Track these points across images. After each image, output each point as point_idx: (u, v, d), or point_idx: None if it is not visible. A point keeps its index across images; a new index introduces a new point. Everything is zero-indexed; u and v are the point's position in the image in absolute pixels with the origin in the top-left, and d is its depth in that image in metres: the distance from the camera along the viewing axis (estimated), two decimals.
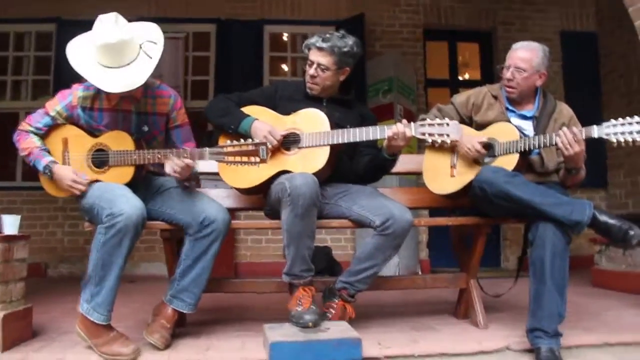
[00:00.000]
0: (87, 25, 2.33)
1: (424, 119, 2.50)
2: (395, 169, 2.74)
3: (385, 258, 2.46)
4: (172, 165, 2.30)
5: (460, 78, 6.72)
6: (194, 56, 6.03)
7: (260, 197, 2.71)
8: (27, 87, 5.96)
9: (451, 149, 2.69)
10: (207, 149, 2.30)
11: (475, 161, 2.61)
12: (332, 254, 5.19)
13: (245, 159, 2.24)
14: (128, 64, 2.25)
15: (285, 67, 6.35)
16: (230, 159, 2.24)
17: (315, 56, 2.59)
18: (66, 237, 5.60)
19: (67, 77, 2.51)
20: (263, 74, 5.95)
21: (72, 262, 5.49)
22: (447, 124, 2.35)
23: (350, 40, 2.60)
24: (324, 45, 2.57)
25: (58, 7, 5.68)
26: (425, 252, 5.67)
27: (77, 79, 2.46)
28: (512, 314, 2.92)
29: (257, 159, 2.23)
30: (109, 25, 2.22)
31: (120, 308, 2.31)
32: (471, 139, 2.60)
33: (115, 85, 2.23)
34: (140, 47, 2.28)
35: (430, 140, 2.39)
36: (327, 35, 2.59)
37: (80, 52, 2.29)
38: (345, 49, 2.57)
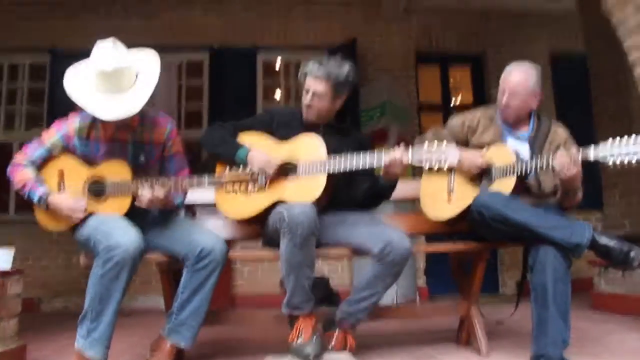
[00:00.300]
0: (81, 56, 2.34)
1: (420, 143, 2.49)
2: (392, 196, 2.72)
3: (385, 286, 2.43)
4: (142, 198, 2.31)
5: (453, 100, 6.77)
6: (188, 84, 6.06)
7: (258, 227, 2.68)
8: (21, 118, 5.95)
9: (448, 173, 2.70)
10: (206, 176, 2.29)
11: (472, 185, 2.60)
12: (330, 284, 5.14)
13: (243, 186, 2.23)
14: (125, 91, 2.25)
15: (278, 93, 6.37)
16: (229, 186, 2.24)
17: (311, 84, 2.59)
18: (60, 271, 5.51)
19: (61, 108, 2.52)
20: (257, 101, 5.97)
21: (66, 296, 5.40)
22: (444, 149, 2.34)
23: (346, 68, 2.59)
24: (320, 73, 2.56)
25: (52, 37, 5.70)
26: (422, 279, 5.63)
27: (72, 109, 2.46)
28: (514, 340, 2.89)
29: (255, 187, 2.23)
30: (107, 52, 2.23)
31: (116, 343, 2.26)
32: (475, 156, 2.61)
33: (112, 112, 2.23)
34: (137, 76, 2.29)
35: (427, 167, 2.38)
36: (323, 63, 2.59)
37: (78, 78, 2.30)
38: (342, 77, 2.57)
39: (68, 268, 5.49)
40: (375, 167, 2.46)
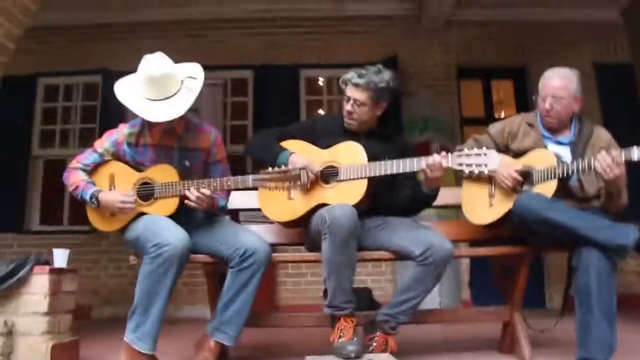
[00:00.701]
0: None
1: (461, 150, 2.51)
2: (434, 203, 2.72)
3: (426, 289, 2.44)
4: (190, 195, 2.40)
5: (497, 116, 6.72)
6: (233, 101, 6.23)
7: (301, 233, 2.74)
8: (75, 136, 6.24)
9: (489, 178, 2.69)
10: (250, 175, 2.40)
11: (513, 190, 2.59)
12: (372, 295, 5.15)
13: (286, 184, 2.31)
14: (171, 97, 2.39)
15: (321, 111, 6.48)
16: (273, 184, 2.32)
17: (351, 92, 2.63)
18: (110, 280, 5.73)
19: (112, 125, 2.67)
20: (300, 118, 6.04)
21: (115, 304, 5.57)
22: (485, 154, 2.34)
23: (386, 75, 2.63)
24: (360, 81, 2.60)
25: (104, 59, 5.95)
26: (466, 291, 5.55)
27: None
28: (559, 349, 2.81)
29: (298, 187, 2.29)
30: (155, 61, 2.38)
31: (162, 347, 2.34)
32: (507, 167, 2.59)
33: (159, 115, 2.36)
34: (182, 82, 2.43)
35: (467, 172, 2.37)
36: (363, 72, 2.63)
37: (127, 88, 2.45)
38: (382, 85, 2.61)
39: (118, 277, 5.69)
40: (416, 170, 2.48)
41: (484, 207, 2.69)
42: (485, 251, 2.79)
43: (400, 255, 2.49)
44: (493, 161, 2.34)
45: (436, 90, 6.08)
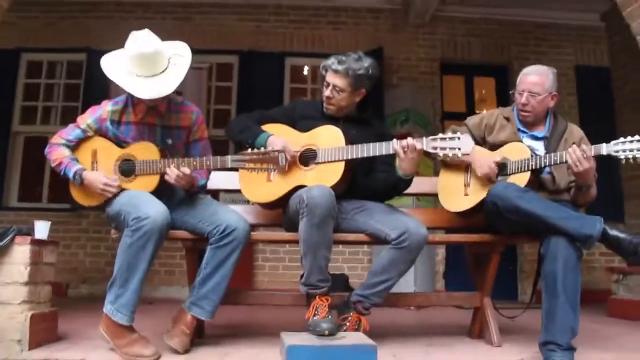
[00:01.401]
0: None
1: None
2: (411, 190, 2.76)
3: (399, 272, 2.50)
4: (170, 172, 2.43)
5: (477, 112, 6.81)
6: (217, 86, 6.24)
7: (279, 214, 2.78)
8: (57, 113, 6.21)
9: (465, 167, 2.77)
10: (229, 155, 2.43)
11: (489, 180, 2.67)
12: (349, 281, 5.21)
13: (265, 165, 2.35)
14: (159, 74, 2.41)
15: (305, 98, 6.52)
16: (251, 165, 2.36)
17: (331, 78, 2.66)
18: (88, 259, 5.72)
19: (95, 102, 2.68)
20: (283, 100, 6.08)
21: (92, 283, 5.59)
22: (459, 138, 2.40)
23: (366, 62, 2.66)
24: (340, 67, 2.63)
25: (89, 38, 5.92)
26: (441, 282, 5.64)
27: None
28: (526, 335, 2.92)
29: (277, 166, 2.34)
30: (144, 37, 2.40)
31: (139, 323, 2.37)
32: (485, 158, 2.67)
33: (148, 92, 2.38)
34: (169, 60, 2.45)
35: (441, 154, 2.43)
36: (344, 58, 2.65)
37: (114, 64, 2.47)
38: (361, 72, 2.63)
39: (96, 256, 5.70)
40: (392, 154, 2.52)
41: (459, 195, 2.76)
42: (458, 237, 2.87)
43: (376, 239, 2.54)
44: (467, 145, 2.40)
45: (419, 84, 6.16)
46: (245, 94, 6.03)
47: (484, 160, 2.67)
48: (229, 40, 6.14)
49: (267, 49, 6.14)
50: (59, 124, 6.02)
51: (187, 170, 2.44)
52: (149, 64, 2.39)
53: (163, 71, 2.42)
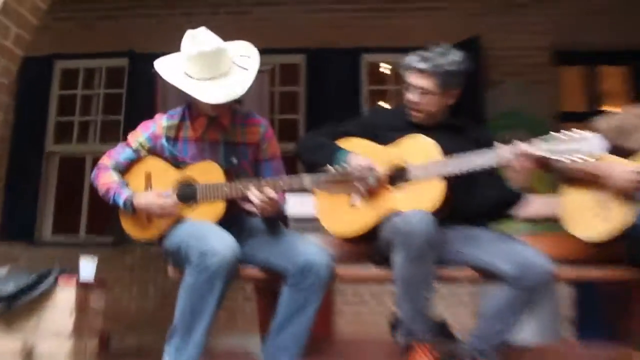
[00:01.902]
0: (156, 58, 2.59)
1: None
2: (525, 214, 2.73)
3: (517, 319, 2.44)
4: (252, 197, 2.44)
5: (603, 110, 6.61)
6: (281, 91, 6.36)
7: (363, 250, 2.78)
8: (96, 129, 6.45)
9: (596, 183, 2.67)
10: (306, 175, 2.45)
11: (626, 196, 2.56)
12: (447, 325, 5.13)
13: (348, 188, 2.35)
14: (223, 76, 2.49)
15: (384, 104, 6.50)
16: (333, 187, 2.36)
17: (415, 79, 2.66)
18: (134, 303, 5.81)
19: (139, 115, 2.76)
20: (361, 111, 6.08)
21: (140, 332, 5.61)
22: (584, 138, 2.32)
23: (454, 56, 2.65)
24: (425, 65, 2.62)
25: (131, 40, 6.18)
26: (568, 328, 5.41)
27: (151, 116, 2.72)
28: None
29: (363, 188, 2.34)
30: (202, 36, 2.48)
31: None
32: (621, 168, 2.58)
33: (215, 95, 2.45)
34: (233, 62, 2.53)
35: (566, 160, 2.35)
36: (428, 54, 2.65)
37: (170, 67, 2.55)
38: (450, 68, 2.62)
39: (143, 299, 5.79)
40: (500, 164, 2.48)
41: (591, 218, 2.66)
42: (594, 273, 2.74)
43: (487, 275, 2.49)
44: (596, 146, 2.32)
45: (527, 80, 6.03)
46: (315, 99, 6.11)
47: (620, 170, 2.57)
48: (294, 36, 6.22)
49: (339, 45, 6.18)
50: (98, 142, 6.28)
51: (272, 194, 2.44)
52: (211, 65, 2.47)
53: (227, 73, 2.50)
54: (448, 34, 5.98)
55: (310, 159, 2.72)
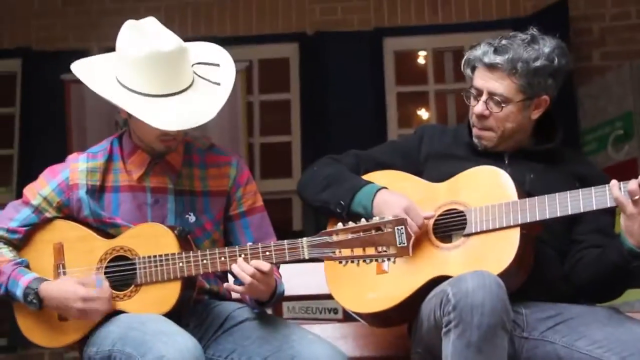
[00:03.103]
0: (64, 58, 2.57)
1: None
2: None
3: None
4: (239, 272, 2.41)
5: None
6: (264, 101, 6.32)
7: (399, 334, 2.80)
8: None
9: None
10: (305, 239, 2.42)
11: None
12: None
13: (371, 251, 2.33)
14: (184, 91, 2.47)
15: (424, 112, 6.56)
16: (346, 253, 2.35)
17: (483, 80, 2.66)
18: None
19: (42, 150, 2.73)
20: (387, 122, 6.11)
21: None
22: None
23: (545, 46, 2.64)
24: (499, 59, 2.61)
25: (25, 33, 6.10)
26: None
27: (60, 153, 2.70)
28: None
29: (393, 251, 2.32)
30: (151, 29, 2.48)
31: None
32: None
33: (174, 120, 2.41)
34: (195, 72, 2.53)
35: None
36: (503, 42, 2.64)
37: (100, 75, 2.54)
38: (538, 63, 2.61)
39: None
40: (608, 206, 2.46)
41: None
42: None
43: None
44: None
45: None
46: (313, 108, 6.08)
47: None
48: (280, 18, 6.24)
49: (346, 27, 6.21)
50: None
51: (266, 266, 2.40)
52: (168, 74, 2.45)
53: (188, 88, 2.49)
54: (516, 3, 6.03)
55: (318, 198, 2.74)
